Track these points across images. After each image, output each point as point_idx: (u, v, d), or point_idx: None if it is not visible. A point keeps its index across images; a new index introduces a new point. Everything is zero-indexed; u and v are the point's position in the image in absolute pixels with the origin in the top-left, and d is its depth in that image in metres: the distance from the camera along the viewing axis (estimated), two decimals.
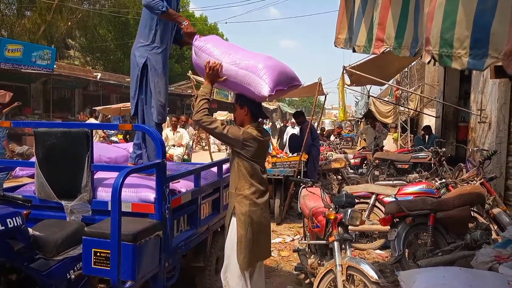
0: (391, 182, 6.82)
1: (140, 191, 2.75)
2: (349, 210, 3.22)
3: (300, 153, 6.37)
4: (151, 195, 2.68)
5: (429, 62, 2.35)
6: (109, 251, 2.22)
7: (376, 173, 8.97)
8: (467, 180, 4.93)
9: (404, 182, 6.14)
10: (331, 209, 3.36)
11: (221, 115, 25.01)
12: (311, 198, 3.96)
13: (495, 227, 4.47)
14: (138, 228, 2.38)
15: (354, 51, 3.39)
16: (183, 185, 3.20)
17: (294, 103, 55.08)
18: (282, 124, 15.72)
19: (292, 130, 11.89)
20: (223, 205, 3.75)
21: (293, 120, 12.00)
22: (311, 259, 3.65)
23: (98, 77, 19.17)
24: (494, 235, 4.36)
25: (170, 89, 24.10)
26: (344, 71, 8.83)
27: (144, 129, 2.94)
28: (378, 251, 4.95)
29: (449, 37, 2.05)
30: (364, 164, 9.84)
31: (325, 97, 8.18)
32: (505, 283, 2.51)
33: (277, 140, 13.54)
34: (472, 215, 4.30)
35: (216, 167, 3.78)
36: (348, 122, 27.66)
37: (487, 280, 2.76)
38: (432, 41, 2.17)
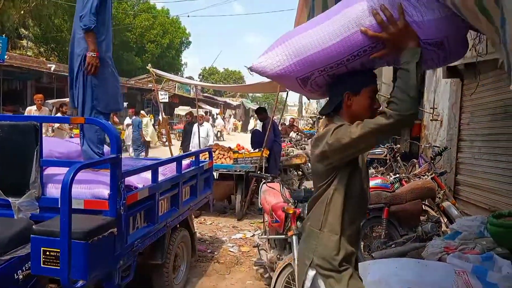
0: None
1: (93, 187, 2.65)
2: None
3: (262, 149, 6.40)
4: (105, 191, 2.58)
5: None
6: (59, 250, 2.12)
7: None
8: (419, 175, 5.16)
9: None
10: (290, 204, 3.40)
11: (183, 111, 24.69)
12: (271, 194, 3.98)
13: (445, 219, 4.69)
14: (90, 225, 2.29)
15: None
16: (140, 181, 3.11)
17: (257, 99, 55.30)
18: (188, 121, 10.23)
19: (201, 127, 9.08)
20: (182, 201, 3.70)
21: (201, 113, 9.68)
22: (271, 254, 3.68)
23: (52, 68, 18.28)
24: (444, 227, 4.59)
25: (130, 83, 23.49)
26: None
27: (99, 123, 2.82)
28: None
29: None
30: None
31: (287, 93, 8.26)
32: (452, 272, 2.65)
33: (181, 145, 9.97)
34: (424, 208, 4.51)
35: (175, 163, 3.71)
36: (309, 119, 28.13)
37: (436, 270, 2.90)
38: None
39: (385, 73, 14.26)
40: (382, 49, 1.55)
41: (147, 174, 3.19)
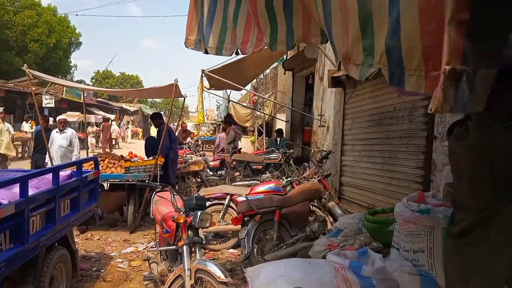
0: (247, 182, 7.17)
1: None
2: (199, 213, 3.22)
3: (156, 156, 6.16)
4: None
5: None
6: None
7: (236, 174, 9.33)
8: (308, 178, 5.48)
9: (258, 182, 6.50)
10: (181, 212, 3.30)
11: (73, 117, 22.74)
12: (163, 203, 3.83)
13: (331, 218, 5.05)
14: None
15: (206, 52, 3.42)
16: (6, 196, 2.72)
17: (157, 105, 53.67)
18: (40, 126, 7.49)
19: (58, 134, 7.34)
20: (60, 217, 3.34)
21: (61, 117, 8.01)
22: (161, 267, 3.52)
23: None
24: (329, 226, 4.92)
25: (9, 86, 20.82)
26: (203, 75, 8.97)
27: None
28: (231, 250, 5.10)
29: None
30: (223, 166, 10.12)
31: (184, 99, 8.11)
32: (332, 268, 2.82)
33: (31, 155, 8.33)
34: (312, 209, 4.79)
35: (50, 174, 3.34)
36: (211, 125, 28.23)
37: (320, 267, 3.06)
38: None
39: (280, 82, 15.02)
40: None
41: (17, 189, 2.81)
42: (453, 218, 1.81)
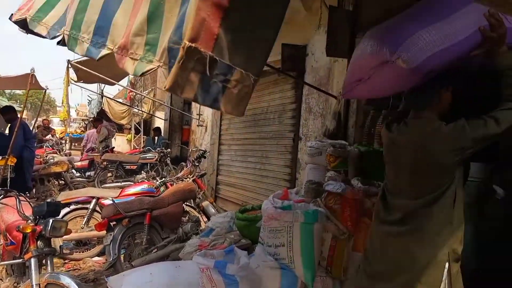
0: (119, 183, 6.73)
1: None
2: (51, 220, 2.86)
3: (6, 156, 5.33)
4: None
5: (59, 43, 2.19)
6: None
7: (109, 175, 8.67)
8: (183, 178, 5.38)
9: (132, 183, 6.15)
10: (29, 221, 2.89)
11: None
12: (9, 211, 3.33)
13: (205, 218, 5.03)
14: None
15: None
16: None
17: (17, 98, 47.01)
18: None
19: None
20: None
21: None
22: (6, 283, 3.05)
23: None
24: (203, 226, 4.90)
25: None
26: (69, 66, 8.15)
27: None
28: (96, 258, 4.68)
29: (80, 18, 1.95)
30: (92, 167, 9.32)
31: (45, 91, 7.23)
32: (198, 270, 2.78)
33: None
34: (185, 209, 4.70)
35: None
36: (82, 121, 25.89)
37: (187, 269, 2.98)
38: (67, 21, 2.03)
39: (160, 79, 14.54)
40: (481, 47, 1.71)
41: None
42: (387, 204, 1.95)
